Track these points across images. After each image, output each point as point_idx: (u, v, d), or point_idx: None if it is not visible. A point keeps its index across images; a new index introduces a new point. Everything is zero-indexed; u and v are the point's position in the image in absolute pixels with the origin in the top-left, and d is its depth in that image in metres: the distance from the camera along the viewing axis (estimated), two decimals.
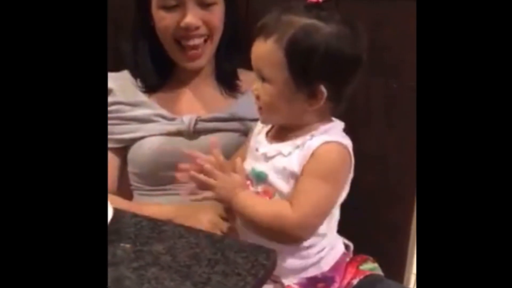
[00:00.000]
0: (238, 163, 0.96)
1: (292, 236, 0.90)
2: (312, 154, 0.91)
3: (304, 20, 0.89)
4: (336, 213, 0.99)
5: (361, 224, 1.25)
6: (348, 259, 1.02)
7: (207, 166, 0.92)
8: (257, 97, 0.94)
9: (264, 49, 0.91)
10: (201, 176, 0.92)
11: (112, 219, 0.80)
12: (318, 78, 0.89)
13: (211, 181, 0.91)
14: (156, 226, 0.83)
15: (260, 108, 0.95)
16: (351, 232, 1.05)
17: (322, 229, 0.95)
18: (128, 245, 0.78)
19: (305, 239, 0.92)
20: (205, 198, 0.93)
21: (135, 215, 0.85)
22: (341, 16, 0.91)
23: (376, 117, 1.25)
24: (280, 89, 0.91)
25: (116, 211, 0.83)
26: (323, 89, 0.90)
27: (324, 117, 0.95)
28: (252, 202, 0.92)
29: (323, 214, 0.92)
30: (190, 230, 0.84)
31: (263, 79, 0.92)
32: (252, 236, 0.93)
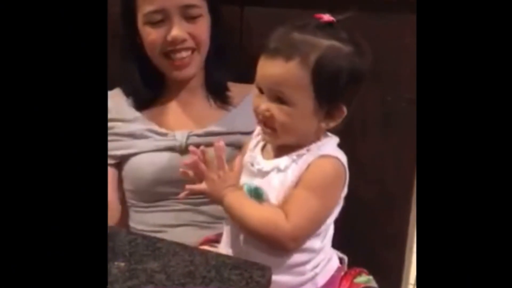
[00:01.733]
0: (238, 161, 0.95)
1: (282, 246, 0.91)
2: (308, 168, 0.91)
3: (324, 42, 0.89)
4: (330, 228, 0.98)
5: (358, 234, 1.26)
6: (342, 273, 1.02)
7: (208, 156, 0.93)
8: (270, 118, 0.91)
9: (286, 71, 0.88)
10: (201, 165, 0.92)
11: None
12: (342, 98, 0.91)
13: (207, 172, 0.92)
14: (150, 244, 0.83)
15: (273, 129, 0.92)
16: (348, 243, 1.06)
17: (317, 244, 0.95)
18: (122, 264, 0.78)
19: (294, 250, 0.92)
20: (198, 190, 0.93)
21: (130, 233, 0.86)
22: (348, 35, 0.91)
23: (373, 128, 1.26)
24: (303, 111, 0.90)
25: (111, 229, 0.83)
26: (344, 109, 0.91)
27: (321, 134, 0.96)
28: (244, 203, 0.92)
29: (315, 227, 0.93)
30: (185, 247, 0.84)
31: (281, 100, 0.90)
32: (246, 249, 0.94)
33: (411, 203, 1.26)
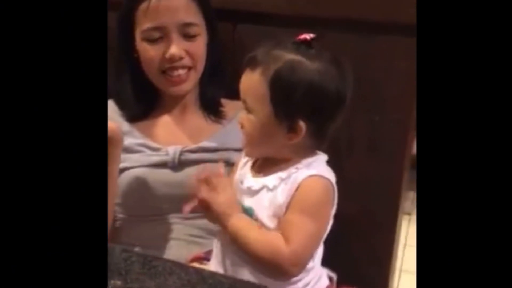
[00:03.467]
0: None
1: (283, 272, 0.90)
2: (298, 188, 0.91)
3: (290, 56, 0.91)
4: (320, 247, 0.99)
5: (344, 252, 1.26)
6: None
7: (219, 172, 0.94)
8: (242, 126, 0.95)
9: (250, 81, 0.92)
10: (214, 180, 0.93)
11: None
12: (299, 113, 0.90)
13: (213, 193, 0.92)
14: (146, 262, 0.82)
15: (244, 139, 0.96)
16: (334, 260, 1.06)
17: (309, 264, 0.95)
18: (119, 282, 0.77)
19: (296, 276, 0.93)
20: (208, 201, 0.93)
21: (125, 250, 0.85)
22: (329, 55, 0.93)
23: (359, 147, 1.28)
24: (262, 121, 0.92)
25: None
26: (302, 124, 0.91)
27: (307, 152, 0.96)
28: (248, 227, 0.92)
29: (313, 250, 0.93)
30: (180, 266, 0.83)
31: (247, 110, 0.94)
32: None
33: (396, 223, 1.28)
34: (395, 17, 1.15)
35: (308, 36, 0.92)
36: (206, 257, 1.06)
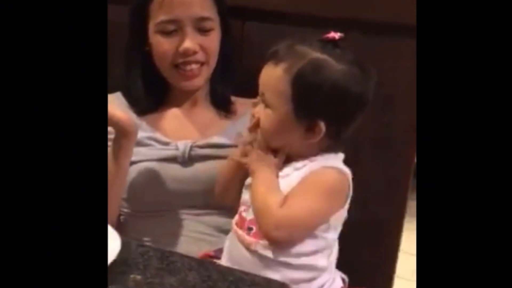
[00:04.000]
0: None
1: (265, 231, 0.90)
2: (311, 172, 0.91)
3: (316, 54, 0.89)
4: (335, 249, 0.98)
5: (348, 255, 1.25)
6: None
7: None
8: (257, 121, 0.94)
9: (272, 75, 0.91)
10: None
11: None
12: (319, 114, 0.90)
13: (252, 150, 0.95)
14: (164, 257, 0.80)
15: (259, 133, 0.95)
16: (338, 263, 1.05)
17: (322, 262, 0.94)
18: (139, 277, 0.74)
19: (278, 240, 0.90)
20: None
21: (141, 245, 0.82)
22: (353, 56, 0.92)
23: (364, 150, 1.27)
24: (280, 117, 0.91)
25: (122, 239, 0.79)
26: (322, 125, 0.90)
27: (322, 151, 0.95)
28: (264, 180, 0.92)
29: (302, 226, 0.90)
30: (199, 262, 0.81)
31: (266, 103, 0.92)
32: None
33: (402, 226, 1.27)
34: (402, 18, 1.15)
35: (336, 35, 0.91)
36: (216, 256, 1.04)
